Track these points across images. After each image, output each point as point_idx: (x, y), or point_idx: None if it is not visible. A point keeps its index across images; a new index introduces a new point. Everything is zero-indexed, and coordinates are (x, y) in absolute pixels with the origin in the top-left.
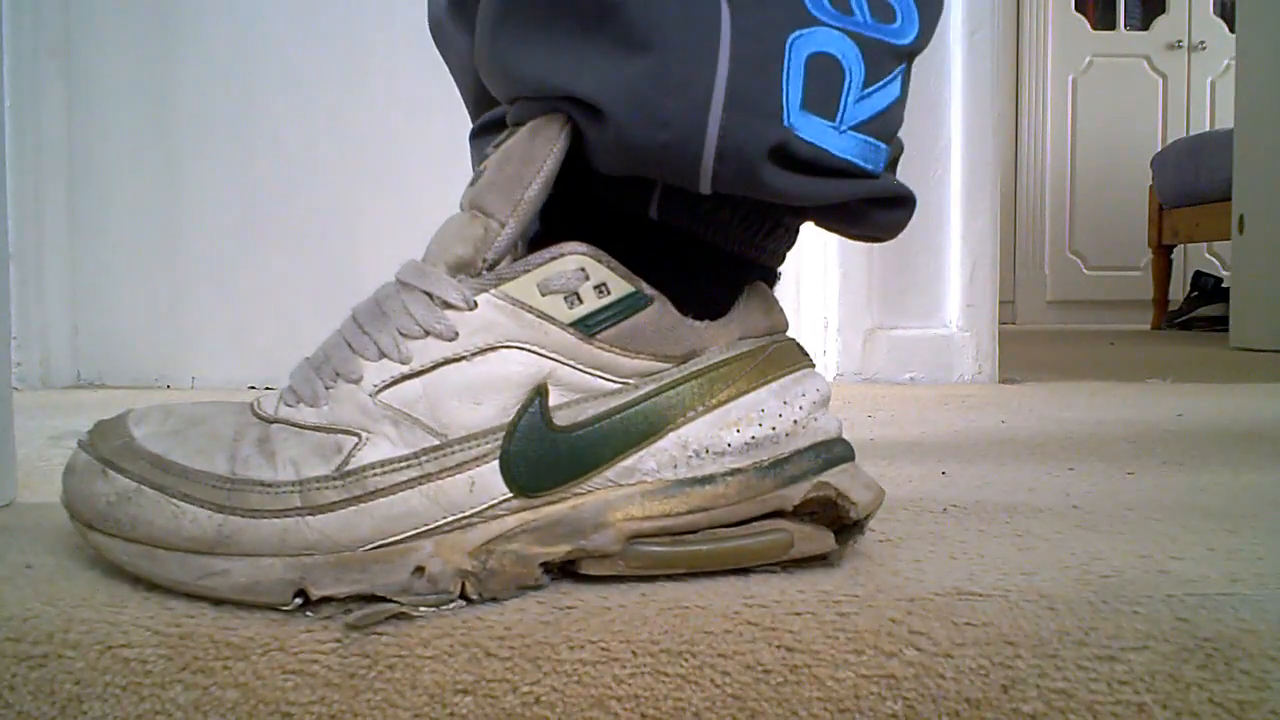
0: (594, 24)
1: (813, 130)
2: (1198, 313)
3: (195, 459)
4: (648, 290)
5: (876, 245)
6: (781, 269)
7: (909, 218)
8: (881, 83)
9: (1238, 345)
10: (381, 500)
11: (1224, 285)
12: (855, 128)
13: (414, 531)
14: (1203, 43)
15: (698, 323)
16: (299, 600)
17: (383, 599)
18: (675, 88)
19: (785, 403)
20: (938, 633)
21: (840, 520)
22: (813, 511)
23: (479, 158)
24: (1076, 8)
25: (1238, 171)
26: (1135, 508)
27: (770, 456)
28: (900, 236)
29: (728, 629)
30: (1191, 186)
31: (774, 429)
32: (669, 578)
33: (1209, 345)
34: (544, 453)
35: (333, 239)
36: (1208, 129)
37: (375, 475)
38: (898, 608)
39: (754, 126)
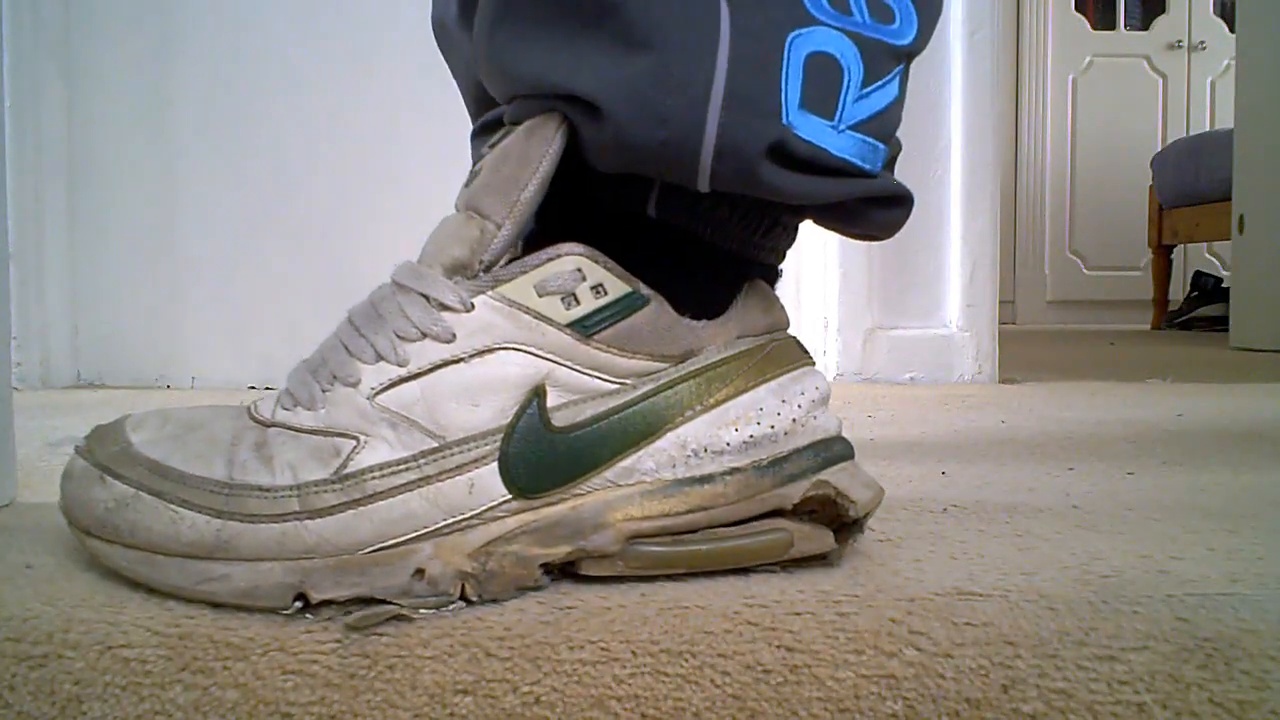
0: (593, 22)
1: (811, 129)
2: (1198, 313)
3: (193, 464)
4: (644, 290)
5: (876, 245)
6: (783, 266)
7: (906, 217)
8: (880, 83)
9: (1238, 345)
10: (380, 503)
11: (1224, 285)
12: (854, 127)
13: (413, 534)
14: (1203, 43)
15: (695, 322)
16: (299, 604)
17: (382, 601)
18: (675, 86)
19: (784, 401)
20: (938, 633)
21: (839, 519)
22: (812, 510)
23: (478, 157)
24: (1076, 8)
25: (1238, 171)
26: (1135, 508)
27: (769, 455)
28: (900, 236)
29: (728, 629)
30: (1191, 186)
31: (772, 428)
32: (669, 578)
33: (1209, 345)
34: (543, 454)
35: (333, 239)
36: (1208, 129)
37: (374, 478)
38: (898, 608)
39: (753, 125)
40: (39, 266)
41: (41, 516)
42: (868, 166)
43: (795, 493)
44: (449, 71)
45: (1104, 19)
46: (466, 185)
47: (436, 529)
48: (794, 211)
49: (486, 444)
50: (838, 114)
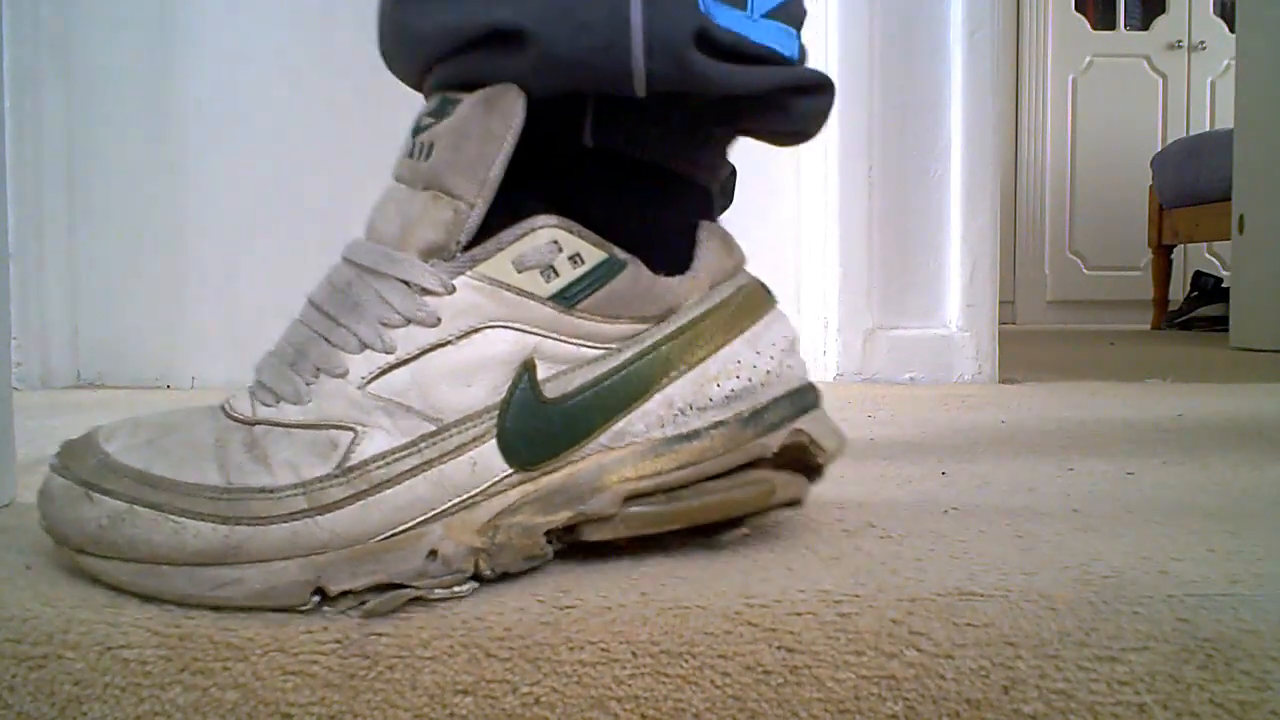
0: None
1: (728, 18)
2: (1198, 313)
3: (183, 471)
4: (620, 255)
5: (877, 244)
6: (779, 254)
7: (830, 105)
8: None
9: (1238, 345)
10: (387, 491)
11: (1224, 285)
12: (766, 15)
13: (423, 517)
14: (1203, 43)
15: (670, 279)
16: (316, 598)
17: (399, 586)
18: None
19: (758, 353)
20: (938, 633)
21: (806, 464)
22: (785, 456)
23: (417, 128)
24: (1076, 8)
25: (1238, 171)
26: (1135, 508)
27: (749, 407)
28: (900, 236)
29: (728, 630)
30: (1191, 186)
31: (750, 380)
32: (669, 578)
33: (1209, 345)
34: (538, 425)
35: (334, 239)
36: (1208, 129)
37: (378, 468)
38: (898, 608)
39: (674, 14)
40: (39, 266)
41: None
42: (787, 54)
43: (775, 442)
44: None
45: (1104, 19)
46: (414, 157)
47: (444, 509)
48: (724, 120)
49: (483, 422)
50: (749, 4)
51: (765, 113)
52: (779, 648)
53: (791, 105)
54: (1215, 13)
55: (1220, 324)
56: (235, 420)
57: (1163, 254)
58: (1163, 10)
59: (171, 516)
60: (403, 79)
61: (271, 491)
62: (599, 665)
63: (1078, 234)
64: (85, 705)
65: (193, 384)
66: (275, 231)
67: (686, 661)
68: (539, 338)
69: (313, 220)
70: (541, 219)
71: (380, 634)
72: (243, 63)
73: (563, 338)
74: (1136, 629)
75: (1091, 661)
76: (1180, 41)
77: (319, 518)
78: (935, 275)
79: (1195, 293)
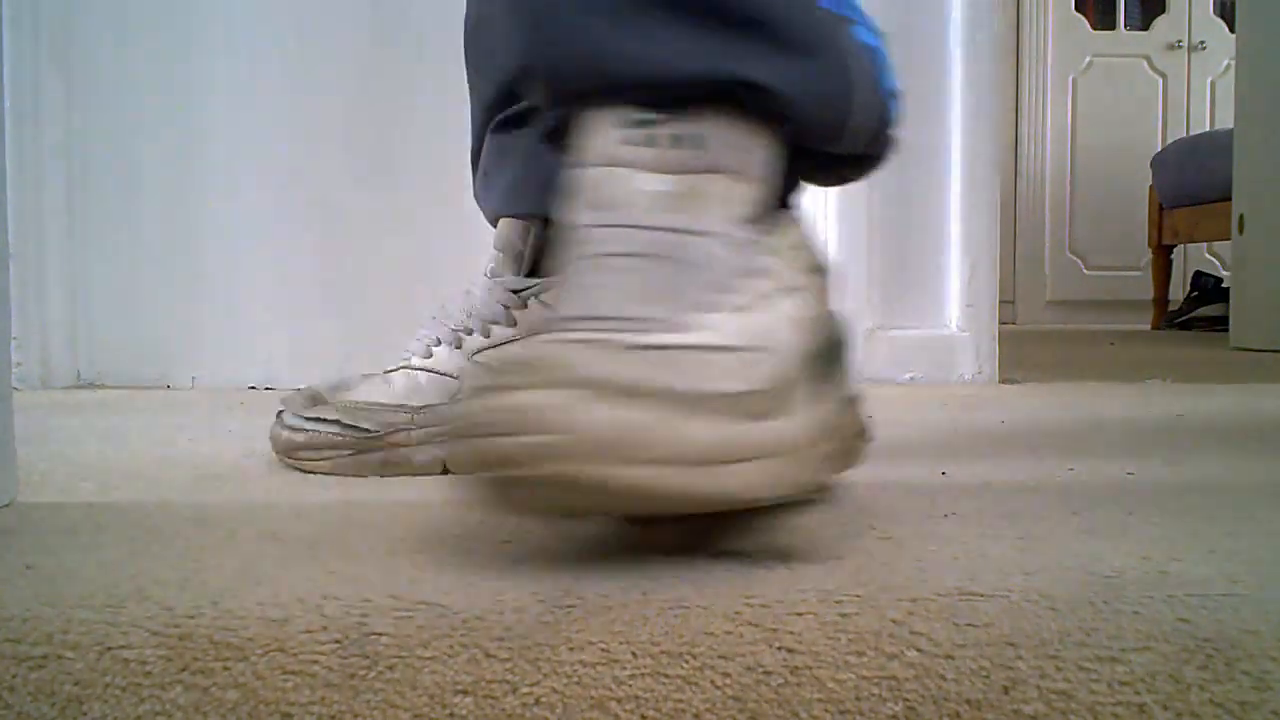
0: (741, 29)
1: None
2: (1198, 313)
3: (655, 379)
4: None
5: (877, 245)
6: None
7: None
8: (889, 59)
9: (1238, 345)
10: (794, 411)
11: (1224, 285)
12: (890, 94)
13: (807, 435)
14: (1203, 43)
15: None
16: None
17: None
18: (836, 78)
19: None
20: (939, 634)
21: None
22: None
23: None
24: (1076, 8)
25: (1238, 171)
26: (1135, 509)
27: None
28: (900, 236)
29: (729, 630)
30: (1191, 186)
31: None
32: (669, 577)
33: (1209, 345)
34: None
35: (334, 239)
36: (1208, 129)
37: (781, 390)
38: (899, 608)
39: (895, 92)
40: (39, 266)
41: (42, 516)
42: (898, 125)
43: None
44: (453, 78)
45: (1104, 19)
46: (653, 146)
47: (813, 429)
48: (831, 167)
49: (803, 366)
50: (887, 86)
51: (859, 167)
52: (779, 648)
53: (869, 167)
54: (1215, 13)
55: (1220, 324)
56: (637, 348)
57: (1163, 254)
58: (1163, 10)
59: (676, 417)
60: (546, 91)
61: (751, 394)
62: (599, 665)
63: (1078, 234)
64: (85, 705)
65: (193, 384)
66: (275, 231)
67: (686, 661)
68: (808, 300)
69: (313, 220)
70: (795, 213)
71: (380, 634)
72: (244, 62)
73: (815, 303)
74: (1136, 629)
75: (1092, 661)
76: (1180, 41)
77: (778, 421)
78: (935, 275)
79: (1195, 293)
